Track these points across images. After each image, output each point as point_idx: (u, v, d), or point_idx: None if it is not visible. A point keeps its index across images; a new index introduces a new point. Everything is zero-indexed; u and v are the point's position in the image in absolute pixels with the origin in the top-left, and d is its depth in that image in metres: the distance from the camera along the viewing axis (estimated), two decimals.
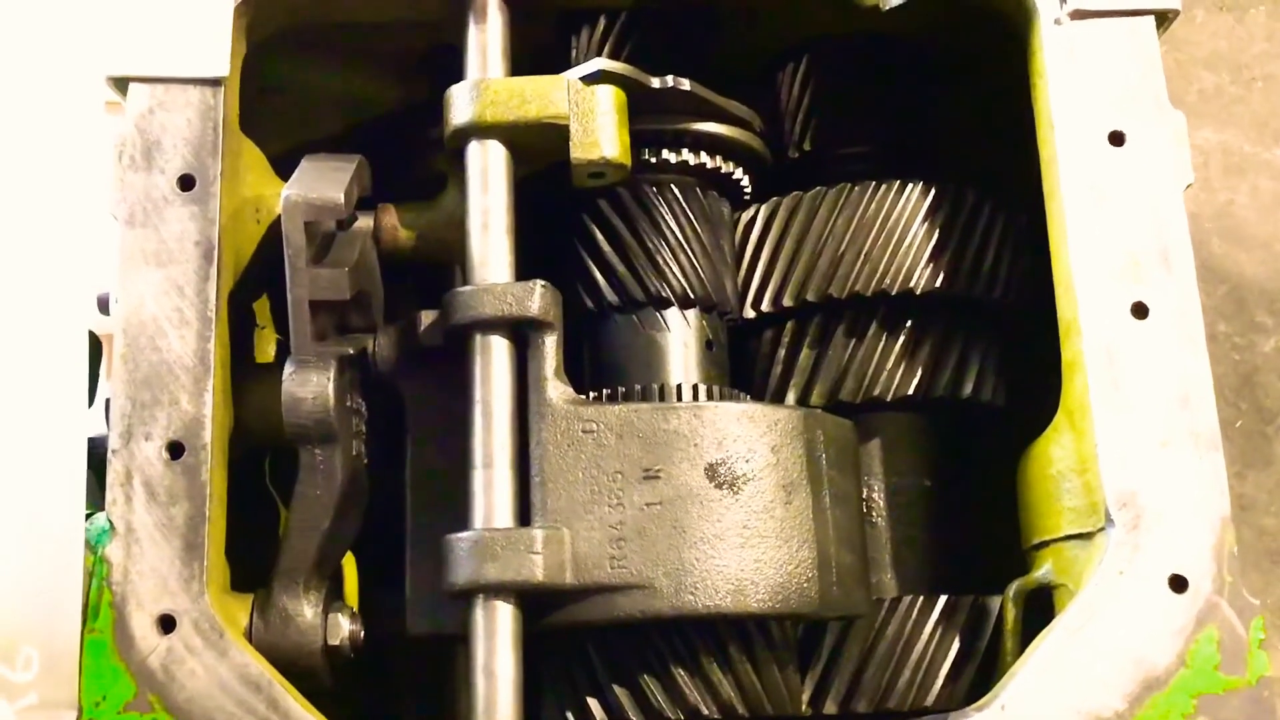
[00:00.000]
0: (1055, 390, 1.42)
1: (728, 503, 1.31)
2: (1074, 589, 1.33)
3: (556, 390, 1.34)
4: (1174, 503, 1.29)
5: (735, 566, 1.29)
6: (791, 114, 1.68)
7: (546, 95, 1.40)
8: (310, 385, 1.30)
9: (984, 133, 1.68)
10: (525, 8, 1.48)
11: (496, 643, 1.26)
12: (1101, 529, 1.31)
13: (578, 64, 1.53)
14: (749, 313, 1.58)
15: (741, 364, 1.59)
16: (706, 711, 1.31)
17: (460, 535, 1.28)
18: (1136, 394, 1.33)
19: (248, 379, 1.39)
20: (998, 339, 1.59)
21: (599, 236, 1.50)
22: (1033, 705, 1.26)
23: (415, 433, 1.42)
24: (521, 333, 1.35)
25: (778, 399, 1.56)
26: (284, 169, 1.51)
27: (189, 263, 1.33)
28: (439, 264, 1.56)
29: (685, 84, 1.47)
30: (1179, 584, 1.28)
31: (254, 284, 1.47)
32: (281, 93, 1.62)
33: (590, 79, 1.42)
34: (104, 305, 1.54)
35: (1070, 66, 1.42)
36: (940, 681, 1.43)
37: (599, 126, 1.40)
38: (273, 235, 1.44)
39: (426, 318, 1.40)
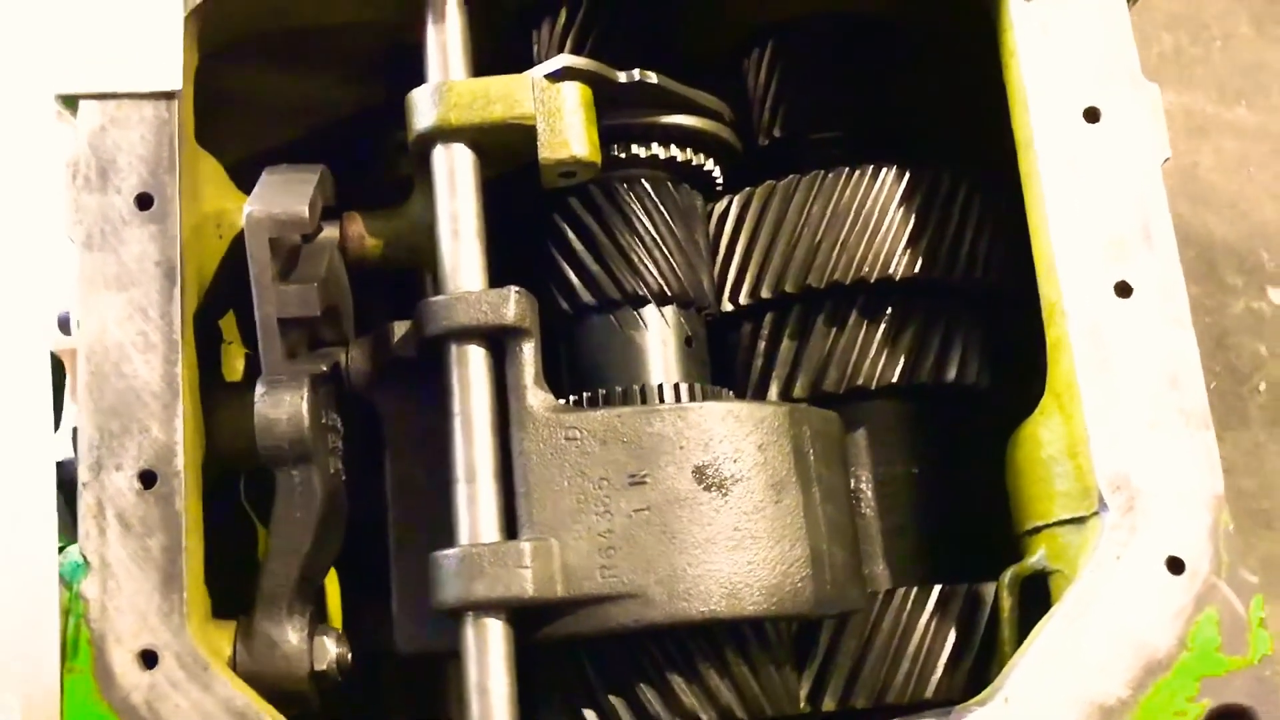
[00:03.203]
0: (1040, 371, 1.40)
1: (717, 505, 1.29)
2: (1069, 574, 1.32)
3: (537, 398, 1.31)
4: (1167, 484, 1.28)
5: (728, 570, 1.27)
6: (760, 100, 1.66)
7: (511, 95, 1.36)
8: (283, 406, 1.26)
9: (956, 112, 1.65)
10: (485, 5, 1.45)
11: (489, 660, 1.23)
12: (1095, 513, 1.29)
13: (540, 60, 1.50)
14: (727, 306, 1.55)
15: (721, 358, 1.56)
16: (705, 717, 1.29)
17: (447, 552, 1.25)
18: (1124, 374, 1.31)
19: (218, 400, 1.35)
20: (980, 321, 1.57)
21: (571, 236, 1.47)
22: (1035, 696, 1.24)
23: (393, 446, 1.38)
24: (498, 341, 1.32)
25: (760, 393, 1.53)
26: (243, 179, 1.47)
27: (151, 284, 1.29)
28: (408, 271, 1.53)
29: (652, 77, 1.44)
30: (1176, 566, 1.26)
31: (219, 301, 1.43)
32: (236, 101, 1.57)
33: (555, 76, 1.38)
34: (64, 325, 1.50)
35: (1042, 43, 1.40)
36: (939, 672, 1.42)
37: (567, 125, 1.36)
38: (236, 250, 1.40)
39: (399, 329, 1.37)
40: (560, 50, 1.50)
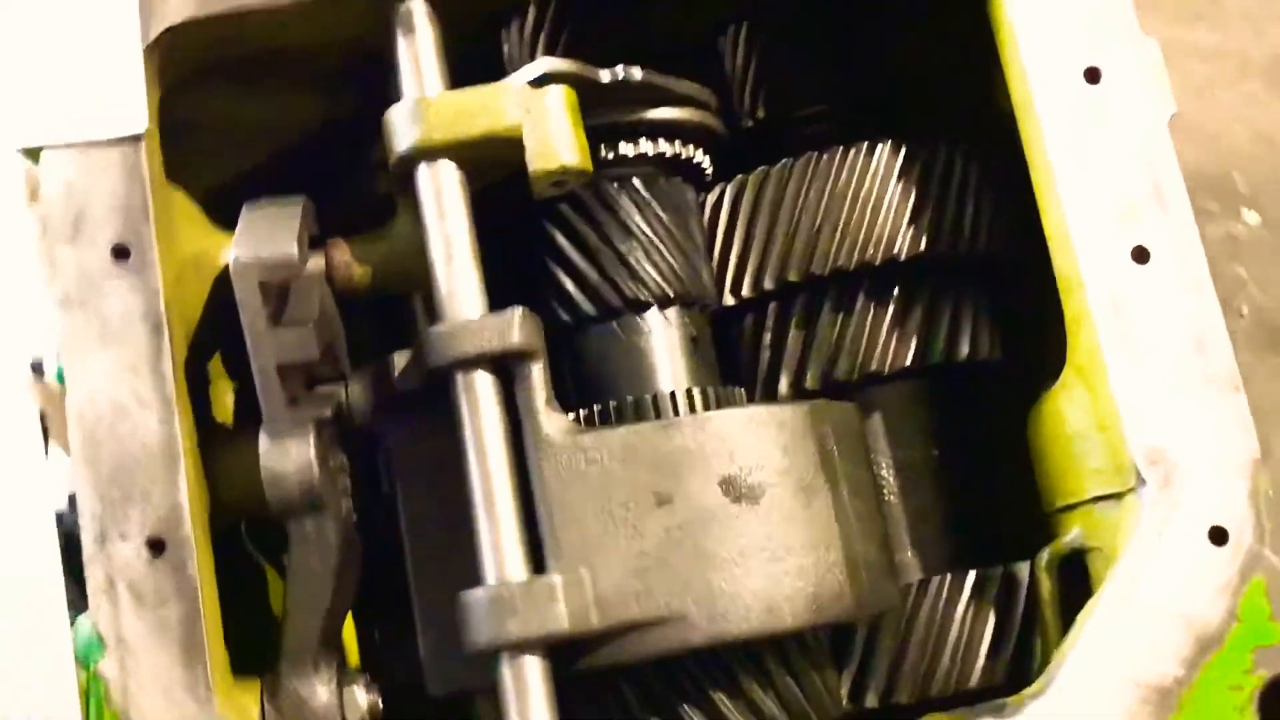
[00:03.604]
0: (1050, 337, 1.37)
1: (747, 517, 1.25)
2: (1108, 552, 1.30)
3: (551, 422, 1.26)
4: (1203, 452, 1.25)
5: (765, 583, 1.23)
6: (740, 81, 1.60)
7: (494, 106, 1.30)
8: (290, 457, 1.21)
9: (942, 79, 1.61)
10: (453, 11, 1.38)
11: (529, 698, 1.19)
12: (1132, 489, 1.27)
13: (514, 62, 1.44)
14: (728, 299, 1.50)
15: (725, 352, 1.52)
16: None
17: (475, 593, 1.21)
18: (1148, 344, 1.28)
19: (216, 452, 1.29)
20: (985, 292, 1.53)
21: (565, 245, 1.41)
22: (1088, 683, 1.22)
23: (403, 480, 1.33)
24: (505, 366, 1.27)
25: (769, 386, 1.49)
26: (216, 210, 1.42)
27: (138, 341, 1.23)
28: (398, 294, 1.48)
29: (637, 73, 1.38)
30: (1219, 536, 1.24)
31: (207, 344, 1.37)
32: (200, 129, 1.50)
33: (537, 82, 1.33)
34: (38, 369, 1.44)
35: (1036, 4, 1.35)
36: (980, 660, 1.39)
37: (554, 133, 1.31)
38: (220, 291, 1.34)
39: (400, 360, 1.31)
40: (533, 51, 1.44)
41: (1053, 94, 1.33)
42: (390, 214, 1.40)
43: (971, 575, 1.41)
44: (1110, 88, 1.33)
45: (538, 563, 1.23)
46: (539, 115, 1.30)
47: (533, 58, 1.43)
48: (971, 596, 1.41)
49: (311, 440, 1.22)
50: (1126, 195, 1.31)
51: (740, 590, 1.23)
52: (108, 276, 1.24)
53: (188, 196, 1.39)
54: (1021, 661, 1.39)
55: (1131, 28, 1.35)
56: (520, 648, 1.19)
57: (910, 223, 1.46)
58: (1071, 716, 1.21)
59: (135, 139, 1.27)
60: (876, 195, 1.46)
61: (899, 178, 1.47)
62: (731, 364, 1.52)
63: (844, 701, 1.41)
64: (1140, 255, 1.30)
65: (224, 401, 1.59)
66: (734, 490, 1.26)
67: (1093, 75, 1.34)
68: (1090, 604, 1.25)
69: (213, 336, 1.36)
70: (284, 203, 1.30)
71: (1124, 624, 1.23)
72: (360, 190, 1.57)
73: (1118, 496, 1.30)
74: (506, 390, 1.27)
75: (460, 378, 1.26)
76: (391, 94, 1.40)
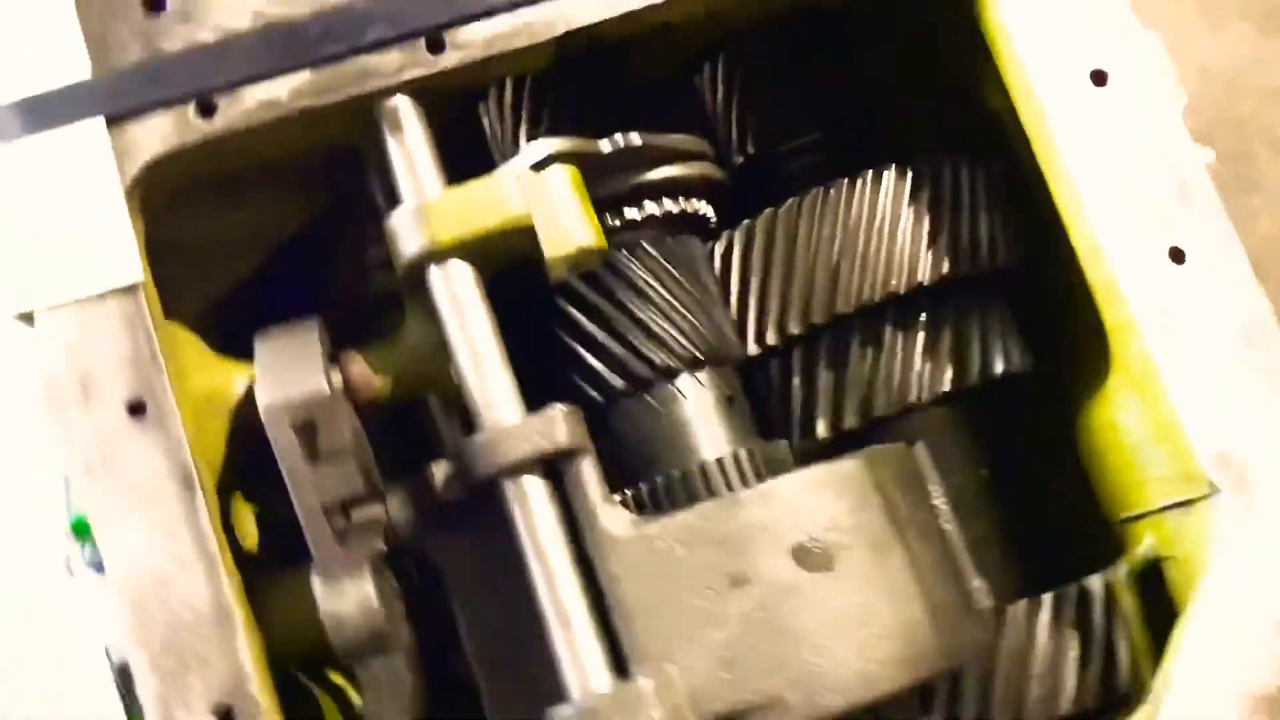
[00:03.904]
0: (1074, 339, 1.35)
1: (825, 585, 1.21)
2: (1185, 560, 1.27)
3: (611, 517, 1.21)
4: (1272, 450, 1.23)
5: (856, 651, 1.20)
6: (723, 118, 1.56)
7: (499, 198, 1.25)
8: (350, 599, 1.16)
9: (927, 91, 1.57)
10: (433, 100, 1.32)
11: None
12: (1204, 496, 1.24)
13: (497, 139, 1.39)
14: (753, 349, 1.46)
15: (755, 401, 1.47)
16: None
17: (563, 711, 1.16)
18: (1199, 345, 1.26)
19: (265, 596, 1.23)
20: (1006, 303, 1.50)
21: (584, 321, 1.36)
22: (1192, 701, 1.20)
23: (459, 595, 1.28)
24: (554, 466, 1.22)
25: (806, 430, 1.45)
26: (210, 334, 1.36)
27: (170, 499, 1.17)
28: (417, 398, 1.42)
29: (636, 138, 1.33)
30: None
31: (231, 480, 1.31)
32: (183, 250, 1.43)
33: (539, 165, 1.27)
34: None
35: (1033, 11, 1.32)
36: (1070, 683, 1.36)
37: (565, 216, 1.25)
38: (239, 425, 1.28)
39: (439, 472, 1.26)
40: (516, 125, 1.39)
41: (1062, 103, 1.31)
42: (391, 312, 1.35)
43: (1048, 598, 1.38)
44: (1118, 89, 1.31)
45: (620, 667, 1.19)
46: (546, 200, 1.25)
47: (516, 133, 1.39)
48: (1051, 619, 1.38)
49: (369, 577, 1.17)
50: (1154, 197, 1.28)
51: (832, 663, 1.19)
52: (127, 437, 1.18)
53: (186, 329, 1.32)
54: (1111, 680, 1.36)
55: (1130, 23, 1.32)
56: None
57: (929, 246, 1.42)
58: None
59: (131, 288, 1.20)
60: (890, 223, 1.42)
61: (910, 201, 1.43)
62: (762, 412, 1.48)
63: None
64: (1177, 256, 1.27)
65: (246, 528, 1.53)
66: (807, 559, 1.22)
67: (1099, 78, 1.31)
68: (1184, 618, 1.22)
69: (233, 469, 1.30)
70: (296, 330, 1.24)
71: (1220, 635, 1.20)
72: (354, 291, 1.51)
73: (1188, 504, 1.27)
74: (557, 489, 1.22)
75: (509, 485, 1.21)
76: (375, 191, 1.36)
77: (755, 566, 1.21)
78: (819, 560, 1.22)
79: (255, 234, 1.50)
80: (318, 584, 1.17)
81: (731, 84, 1.54)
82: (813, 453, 1.43)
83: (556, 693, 1.18)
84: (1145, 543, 1.33)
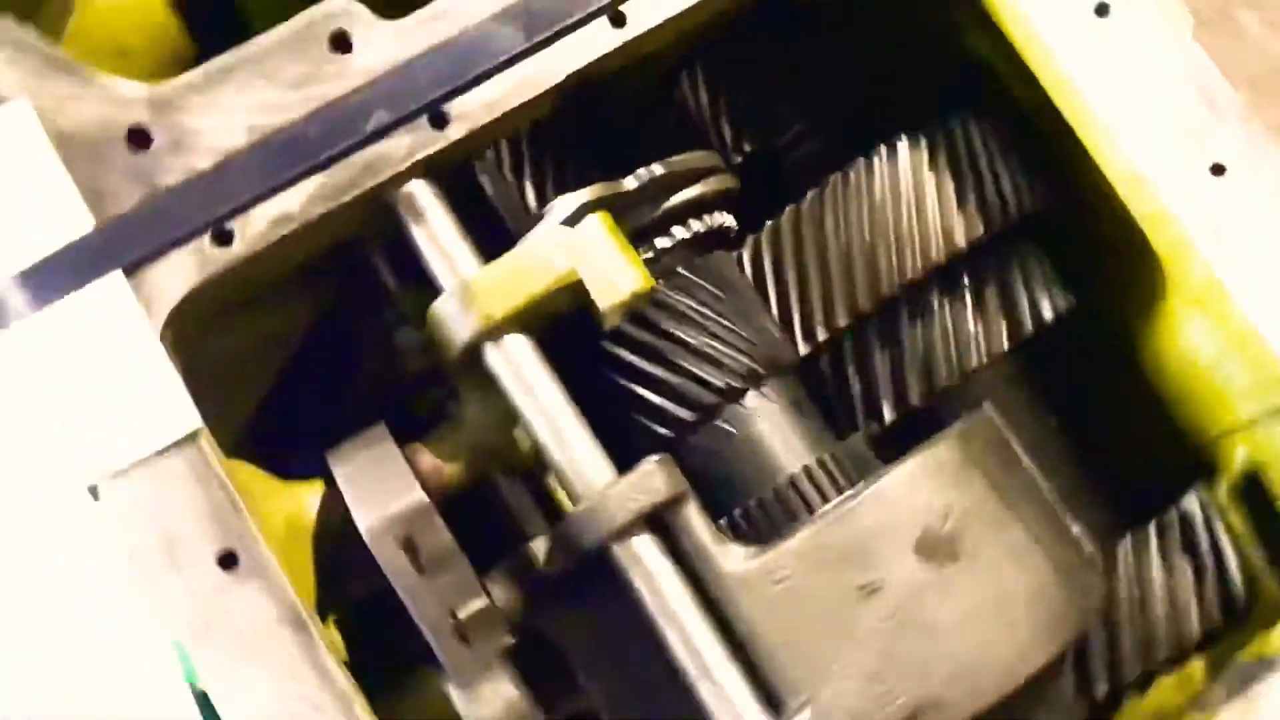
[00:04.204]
0: (1110, 267, 1.34)
1: (956, 574, 1.20)
2: None
3: (728, 557, 1.19)
4: None
5: (1003, 634, 1.18)
6: (714, 123, 1.52)
7: (543, 261, 1.21)
8: (494, 705, 1.13)
9: (913, 54, 1.55)
10: (440, 173, 1.28)
11: None
12: None
13: (501, 197, 1.35)
14: (804, 350, 1.43)
15: (815, 400, 1.45)
16: None
17: None
18: (1257, 251, 1.25)
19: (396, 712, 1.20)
20: (1040, 249, 1.48)
21: (639, 361, 1.33)
22: None
23: (583, 666, 1.25)
24: (658, 518, 1.19)
25: (873, 417, 1.43)
26: (256, 448, 1.31)
27: (284, 645, 1.12)
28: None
29: (658, 169, 1.30)
30: None
31: (327, 605, 1.27)
32: (214, 370, 1.39)
33: (571, 220, 1.24)
34: None
35: None
36: (1194, 611, 1.36)
37: (609, 266, 1.22)
38: (324, 543, 1.25)
39: (540, 549, 1.23)
40: (522, 183, 1.35)
41: (1071, 40, 1.29)
42: (431, 395, 1.32)
43: (1151, 529, 1.38)
44: (1122, 16, 1.29)
45: (774, 704, 1.16)
46: (589, 254, 1.22)
47: (522, 189, 1.35)
48: (1159, 550, 1.38)
49: (506, 676, 1.14)
50: (1184, 118, 1.27)
51: (981, 652, 1.18)
52: (225, 591, 1.13)
53: (246, 465, 1.27)
54: (1229, 596, 1.36)
55: None
56: None
57: (959, 209, 1.40)
58: None
59: (191, 436, 1.15)
60: (916, 194, 1.40)
61: (930, 168, 1.41)
62: (826, 409, 1.45)
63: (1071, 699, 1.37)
64: (1218, 170, 1.26)
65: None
66: (932, 553, 1.20)
67: (1102, 10, 1.29)
68: None
69: (332, 588, 1.26)
70: (367, 440, 1.20)
71: None
72: (383, 380, 1.47)
73: (1270, 416, 1.27)
74: (666, 541, 1.19)
75: (620, 550, 1.18)
76: (385, 276, 1.32)
77: (882, 573, 1.19)
78: (944, 551, 1.20)
79: (275, 340, 1.45)
80: (457, 696, 1.13)
81: (715, 87, 1.51)
82: (883, 440, 1.41)
83: None
84: (1239, 456, 1.32)
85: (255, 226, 1.20)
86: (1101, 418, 1.47)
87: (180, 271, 1.18)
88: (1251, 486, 1.33)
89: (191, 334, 1.23)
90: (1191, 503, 1.38)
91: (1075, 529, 1.37)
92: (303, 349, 1.49)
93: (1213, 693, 1.24)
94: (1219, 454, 1.35)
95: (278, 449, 1.45)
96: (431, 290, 1.26)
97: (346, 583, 1.29)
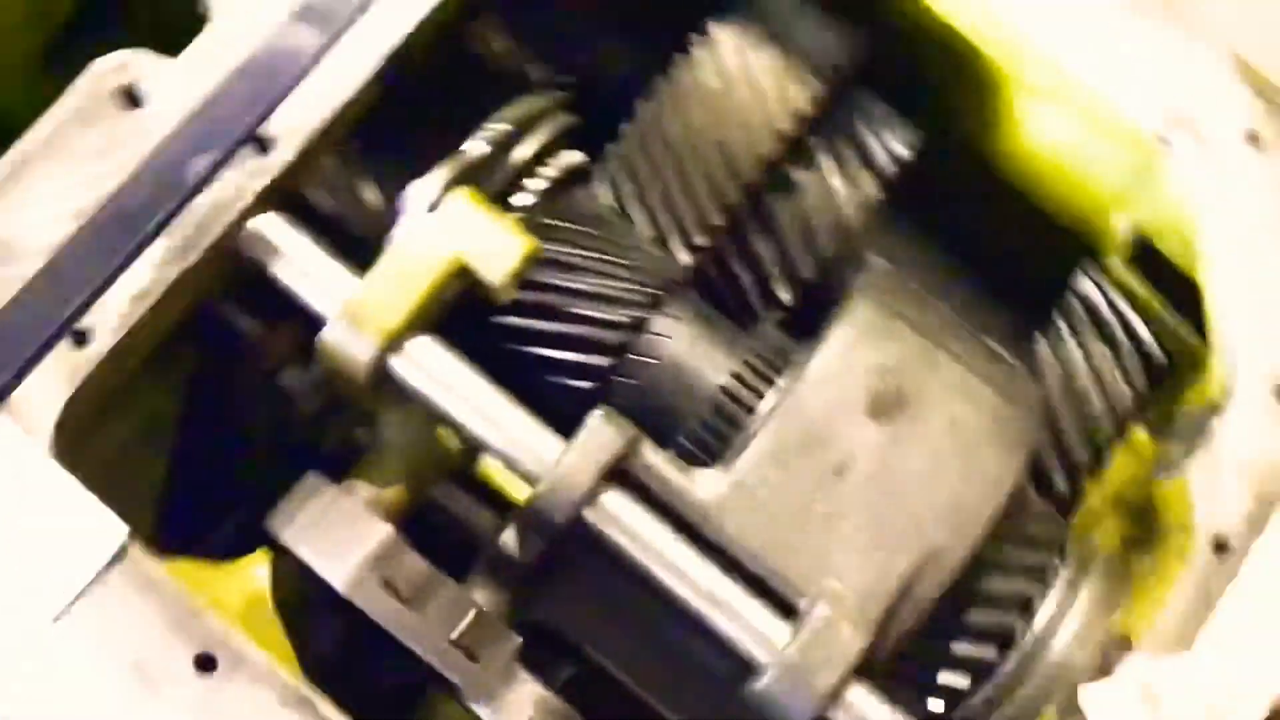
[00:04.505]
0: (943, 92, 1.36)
1: (913, 423, 1.21)
2: (1167, 216, 1.31)
3: (697, 484, 1.17)
4: (1200, 84, 1.27)
5: (973, 462, 1.20)
6: (523, 65, 1.47)
7: (422, 255, 1.16)
8: (523, 707, 1.10)
9: None
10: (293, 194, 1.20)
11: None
12: (1158, 154, 1.27)
13: (332, 193, 1.29)
14: (687, 259, 1.41)
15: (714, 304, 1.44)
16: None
17: (763, 680, 1.12)
18: (1084, 18, 1.28)
19: None
20: (871, 93, 1.48)
21: (540, 323, 1.30)
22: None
23: (591, 643, 1.23)
24: (618, 470, 1.16)
25: (774, 305, 1.42)
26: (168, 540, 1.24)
27: None
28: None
29: (496, 127, 1.27)
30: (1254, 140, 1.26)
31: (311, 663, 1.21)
32: (105, 467, 1.29)
33: (434, 204, 1.18)
34: None
35: None
36: (1121, 382, 1.40)
37: (491, 238, 1.17)
38: (287, 611, 1.19)
39: (510, 541, 1.19)
40: (353, 179, 1.29)
41: None
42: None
43: (1059, 320, 1.41)
44: None
45: (787, 611, 1.16)
46: (465, 232, 1.17)
47: (352, 184, 1.29)
48: (1073, 338, 1.41)
49: (524, 676, 1.10)
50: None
51: (962, 486, 1.20)
52: (217, 694, 1.06)
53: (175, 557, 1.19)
54: (1149, 359, 1.41)
55: None
56: (840, 690, 1.13)
57: (792, 78, 1.39)
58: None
59: (121, 551, 1.07)
60: (747, 74, 1.39)
61: (751, 46, 1.39)
62: (728, 310, 1.44)
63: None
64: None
65: None
66: (884, 412, 1.21)
67: None
68: (1206, 272, 1.26)
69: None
70: (304, 494, 1.14)
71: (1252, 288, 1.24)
72: (279, 426, 1.40)
73: (1147, 168, 1.30)
74: (633, 487, 1.17)
75: (591, 514, 1.15)
76: (240, 323, 1.25)
77: (846, 447, 1.19)
78: (894, 406, 1.21)
79: (157, 421, 1.36)
80: (485, 713, 1.09)
81: (512, 31, 1.46)
82: (792, 324, 1.41)
83: (743, 673, 1.15)
84: (1121, 226, 1.36)
85: (109, 317, 1.11)
86: (981, 233, 1.49)
87: (50, 387, 1.09)
88: (1140, 250, 1.37)
89: (80, 443, 1.14)
90: (1085, 284, 1.42)
91: (993, 345, 1.40)
92: (187, 421, 1.41)
93: (1171, 450, 1.27)
94: (1102, 231, 1.38)
95: (191, 534, 1.38)
96: (303, 322, 1.19)
97: (320, 640, 1.24)
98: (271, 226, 1.16)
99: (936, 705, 1.27)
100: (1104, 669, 1.20)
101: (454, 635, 1.09)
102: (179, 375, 1.35)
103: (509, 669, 1.12)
